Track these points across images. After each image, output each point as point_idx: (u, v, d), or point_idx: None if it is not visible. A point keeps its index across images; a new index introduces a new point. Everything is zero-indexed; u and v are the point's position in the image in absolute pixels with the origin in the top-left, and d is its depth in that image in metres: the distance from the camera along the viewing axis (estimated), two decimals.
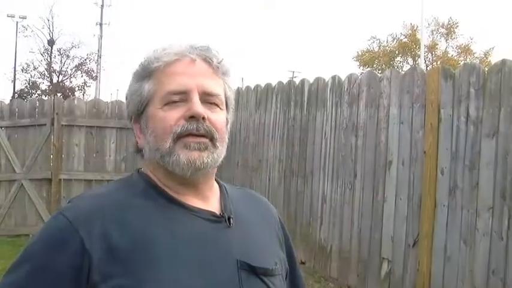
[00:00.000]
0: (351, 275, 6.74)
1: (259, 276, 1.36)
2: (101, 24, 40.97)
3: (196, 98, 1.34)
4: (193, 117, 1.33)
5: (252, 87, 9.43)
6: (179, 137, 1.33)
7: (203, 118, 1.34)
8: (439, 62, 36.20)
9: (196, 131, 1.34)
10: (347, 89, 7.01)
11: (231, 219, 1.40)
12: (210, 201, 1.43)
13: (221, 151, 1.39)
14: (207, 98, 1.37)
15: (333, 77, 7.33)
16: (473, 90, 5.39)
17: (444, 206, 5.59)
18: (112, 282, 1.21)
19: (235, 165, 9.55)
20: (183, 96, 1.35)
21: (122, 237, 1.26)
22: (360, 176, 6.68)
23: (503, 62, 5.28)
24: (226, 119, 1.44)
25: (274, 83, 8.76)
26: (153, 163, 1.38)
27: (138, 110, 1.40)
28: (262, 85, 9.09)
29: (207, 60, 1.37)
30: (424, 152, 5.79)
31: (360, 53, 41.35)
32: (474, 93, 5.38)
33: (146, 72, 1.39)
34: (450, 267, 5.52)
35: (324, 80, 7.52)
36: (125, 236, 1.26)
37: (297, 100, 8.03)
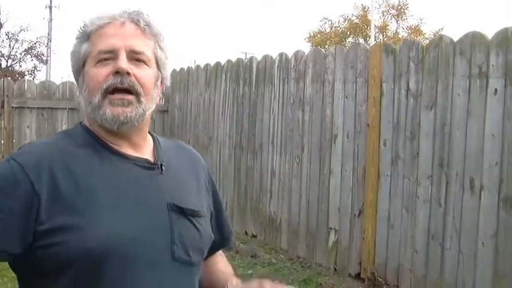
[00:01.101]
0: (300, 246, 6.96)
1: (187, 217, 1.53)
2: (50, 7, 40.30)
3: (123, 56, 1.48)
4: (118, 73, 1.47)
5: (202, 66, 9.53)
6: (107, 93, 1.47)
7: (127, 73, 1.48)
8: None
9: (120, 85, 1.47)
10: (294, 65, 7.18)
11: (163, 167, 1.55)
12: (144, 151, 1.57)
13: (147, 106, 1.52)
14: (134, 56, 1.50)
15: (280, 54, 7.50)
16: (413, 65, 5.62)
17: (387, 176, 5.84)
18: (55, 221, 1.36)
19: (187, 143, 9.60)
20: (112, 54, 1.48)
21: (66, 182, 1.40)
22: (307, 150, 6.88)
23: (441, 37, 5.54)
24: (156, 76, 1.57)
25: (224, 61, 8.87)
26: (90, 117, 1.52)
27: (78, 69, 1.53)
28: (212, 64, 9.19)
29: (135, 22, 1.51)
30: (368, 125, 6.02)
31: (312, 34, 41.58)
32: (414, 67, 5.61)
33: (83, 35, 1.52)
34: (393, 234, 5.77)
35: (271, 57, 7.68)
36: (69, 182, 1.40)
37: (245, 78, 8.17)
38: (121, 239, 1.38)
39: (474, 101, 5.09)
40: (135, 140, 1.56)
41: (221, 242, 1.81)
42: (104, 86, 1.47)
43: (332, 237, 6.48)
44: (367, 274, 5.99)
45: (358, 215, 6.14)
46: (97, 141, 1.51)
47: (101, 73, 1.47)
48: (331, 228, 6.50)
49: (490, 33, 5.05)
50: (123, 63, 1.47)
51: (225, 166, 8.59)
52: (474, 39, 5.11)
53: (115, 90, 1.48)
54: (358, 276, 6.12)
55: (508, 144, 4.81)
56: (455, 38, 5.32)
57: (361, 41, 40.06)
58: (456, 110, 5.23)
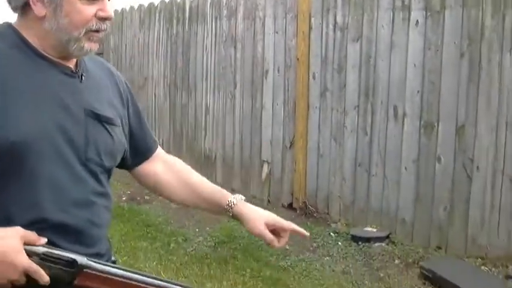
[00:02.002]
0: (235, 180, 7.14)
1: (102, 123, 1.64)
2: None
3: (108, 2, 1.58)
4: (105, 18, 1.57)
5: (136, 7, 9.46)
6: (89, 31, 1.57)
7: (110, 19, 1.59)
8: None
9: (103, 30, 1.59)
10: (226, 3, 7.23)
11: (83, 76, 1.65)
12: (68, 62, 1.65)
13: None
14: None
15: None
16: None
17: (316, 107, 6.03)
18: None
19: None
20: None
21: None
22: (240, 86, 7.00)
23: None
24: None
25: (157, 2, 8.83)
26: (44, 32, 1.56)
27: None
28: (146, 4, 9.14)
29: None
30: (297, 59, 6.16)
31: None
32: (341, 1, 5.76)
33: None
34: (323, 164, 6.00)
35: None
36: None
37: (179, 17, 8.18)
38: (40, 135, 1.48)
39: (397, 32, 5.29)
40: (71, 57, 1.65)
41: (146, 150, 1.94)
42: (90, 27, 1.56)
43: (265, 170, 6.68)
44: (299, 204, 6.22)
45: (290, 147, 6.33)
46: (27, 46, 1.57)
47: (88, 13, 1.54)
48: (264, 161, 6.69)
49: None
50: (111, 11, 1.58)
51: (160, 105, 8.65)
52: None
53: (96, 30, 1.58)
54: (290, 206, 6.35)
55: (428, 73, 5.05)
56: None
57: None
58: (381, 42, 5.42)
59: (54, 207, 1.50)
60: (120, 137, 1.73)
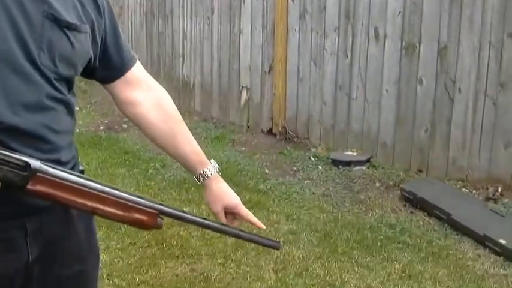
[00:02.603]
0: (213, 107, 7.04)
1: (62, 28, 1.52)
2: None
3: None
4: None
5: None
6: None
7: None
8: None
9: None
10: None
11: None
12: None
13: None
14: None
15: None
16: None
17: (295, 30, 5.89)
18: None
19: None
20: None
21: None
22: (217, 11, 6.82)
23: None
24: None
25: None
26: None
27: None
28: None
29: None
30: None
31: None
32: None
33: None
34: (302, 88, 5.91)
35: None
36: None
37: None
38: None
39: None
40: None
41: (121, 65, 1.81)
42: None
43: (244, 96, 6.58)
44: (278, 129, 6.15)
45: (269, 72, 6.21)
46: None
47: None
48: (242, 86, 6.58)
49: None
50: None
51: (137, 34, 8.45)
52: None
53: None
54: (270, 131, 6.29)
55: None
56: None
57: None
58: None
59: (6, 110, 1.40)
60: (83, 44, 1.60)
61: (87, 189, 1.37)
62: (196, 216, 1.55)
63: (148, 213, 1.46)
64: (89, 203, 1.38)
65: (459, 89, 4.71)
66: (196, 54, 7.26)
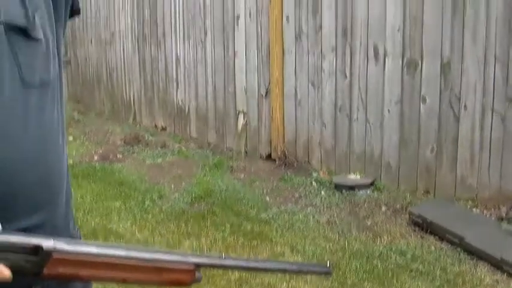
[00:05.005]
0: (210, 133, 6.86)
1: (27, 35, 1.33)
2: None
3: None
4: None
5: None
6: None
7: None
8: None
9: None
10: None
11: None
12: None
13: None
14: None
15: None
16: None
17: (291, 52, 5.72)
18: None
19: (89, 42, 9.28)
20: None
21: None
22: (211, 34, 6.66)
23: None
24: None
25: None
26: None
27: None
28: None
29: None
30: (270, 2, 5.82)
31: None
32: None
33: None
34: (301, 110, 5.72)
35: None
36: None
37: None
38: None
39: None
40: None
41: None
42: None
43: (241, 121, 6.39)
44: (277, 153, 5.96)
45: (266, 95, 6.04)
46: None
47: None
48: (239, 111, 6.40)
49: None
50: None
51: (129, 59, 8.29)
52: None
53: None
54: (269, 157, 6.09)
55: (410, 7, 4.75)
56: None
57: None
58: None
59: None
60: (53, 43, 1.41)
61: (112, 260, 1.15)
62: (236, 260, 1.34)
63: (184, 271, 1.27)
64: (116, 275, 1.16)
65: (465, 105, 4.53)
66: (190, 79, 7.09)
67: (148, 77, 7.93)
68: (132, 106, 8.35)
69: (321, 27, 5.42)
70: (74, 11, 1.56)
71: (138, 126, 8.08)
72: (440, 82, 4.65)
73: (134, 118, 8.27)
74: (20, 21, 1.28)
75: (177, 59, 7.26)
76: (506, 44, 4.29)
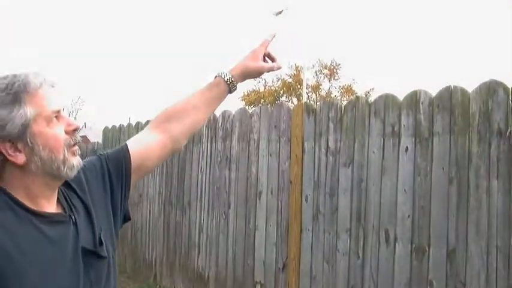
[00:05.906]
0: None
1: (100, 257, 1.68)
2: None
3: (66, 114, 1.69)
4: (76, 130, 1.68)
5: (134, 124, 9.68)
6: (69, 147, 1.66)
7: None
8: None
9: (78, 141, 1.70)
10: (221, 124, 7.44)
11: (75, 219, 1.69)
12: (55, 200, 1.70)
13: None
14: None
15: None
16: (332, 124, 5.94)
17: (309, 230, 6.08)
18: None
19: None
20: (57, 113, 1.65)
21: None
22: (234, 206, 7.08)
23: (357, 98, 5.88)
24: None
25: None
26: (32, 177, 1.61)
27: (18, 132, 1.57)
28: (143, 122, 9.34)
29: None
30: (290, 182, 6.28)
31: (246, 93, 42.17)
32: (333, 127, 5.93)
33: (15, 98, 1.57)
34: (315, 286, 5.98)
35: None
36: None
37: None
38: None
39: (388, 158, 5.42)
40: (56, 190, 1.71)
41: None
42: (69, 143, 1.65)
43: None
44: None
45: (283, 269, 6.34)
46: (17, 203, 1.58)
47: (60, 131, 1.63)
48: (257, 282, 6.67)
49: (402, 95, 5.41)
50: (76, 122, 1.70)
51: (155, 221, 8.70)
52: (387, 100, 5.47)
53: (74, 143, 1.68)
54: None
55: (418, 198, 5.14)
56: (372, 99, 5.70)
57: (295, 100, 40.89)
58: (371, 166, 5.55)
59: None
60: (114, 267, 1.77)
61: None
62: None
63: None
64: None
65: None
66: (211, 247, 7.43)
67: (171, 241, 8.29)
68: (153, 267, 8.65)
69: (337, 208, 5.81)
70: (125, 219, 1.98)
71: (158, 287, 8.35)
72: (447, 268, 4.93)
73: (155, 278, 8.55)
74: (92, 245, 1.68)
75: (200, 227, 7.65)
76: (507, 236, 4.60)
